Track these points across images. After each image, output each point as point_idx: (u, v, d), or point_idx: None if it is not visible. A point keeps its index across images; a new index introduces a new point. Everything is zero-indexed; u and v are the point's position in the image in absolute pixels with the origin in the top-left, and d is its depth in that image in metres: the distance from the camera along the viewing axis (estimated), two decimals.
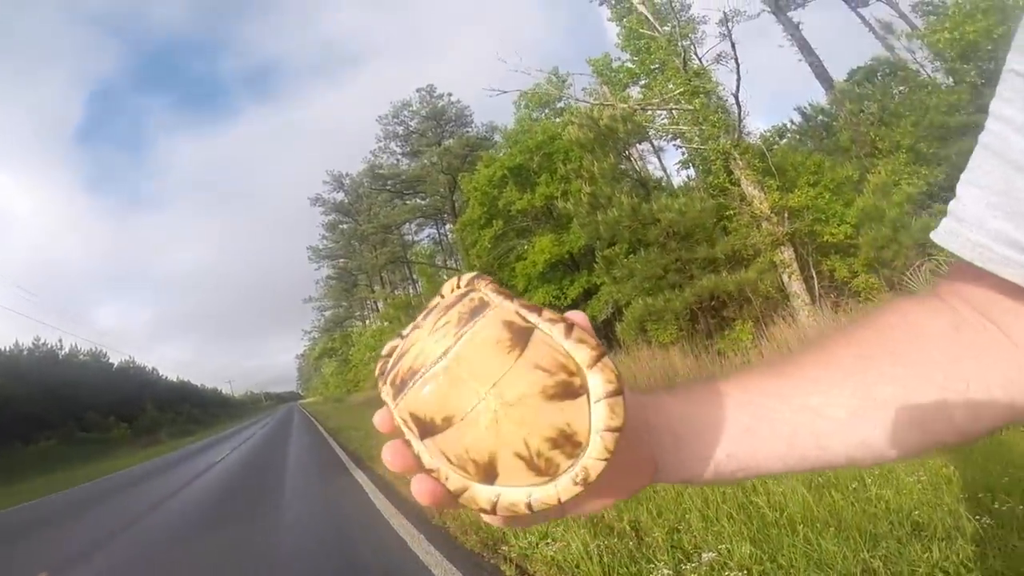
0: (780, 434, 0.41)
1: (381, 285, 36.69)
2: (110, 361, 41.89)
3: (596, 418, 0.29)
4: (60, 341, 36.93)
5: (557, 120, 17.42)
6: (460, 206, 29.17)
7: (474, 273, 0.35)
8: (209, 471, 11.85)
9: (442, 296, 0.35)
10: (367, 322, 41.86)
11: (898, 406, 0.39)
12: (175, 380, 58.09)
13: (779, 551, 2.36)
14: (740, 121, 9.40)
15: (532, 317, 0.32)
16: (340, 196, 36.63)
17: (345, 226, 37.19)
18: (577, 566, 2.73)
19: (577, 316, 0.35)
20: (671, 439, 0.41)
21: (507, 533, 3.40)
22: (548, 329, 0.31)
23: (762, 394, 0.42)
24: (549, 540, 3.11)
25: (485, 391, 0.28)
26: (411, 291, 35.50)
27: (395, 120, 31.89)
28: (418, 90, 31.53)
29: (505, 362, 0.29)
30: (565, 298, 14.25)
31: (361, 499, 5.70)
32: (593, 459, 0.29)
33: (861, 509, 2.58)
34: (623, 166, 11.89)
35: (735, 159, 9.33)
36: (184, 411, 45.62)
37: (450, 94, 31.39)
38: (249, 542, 4.74)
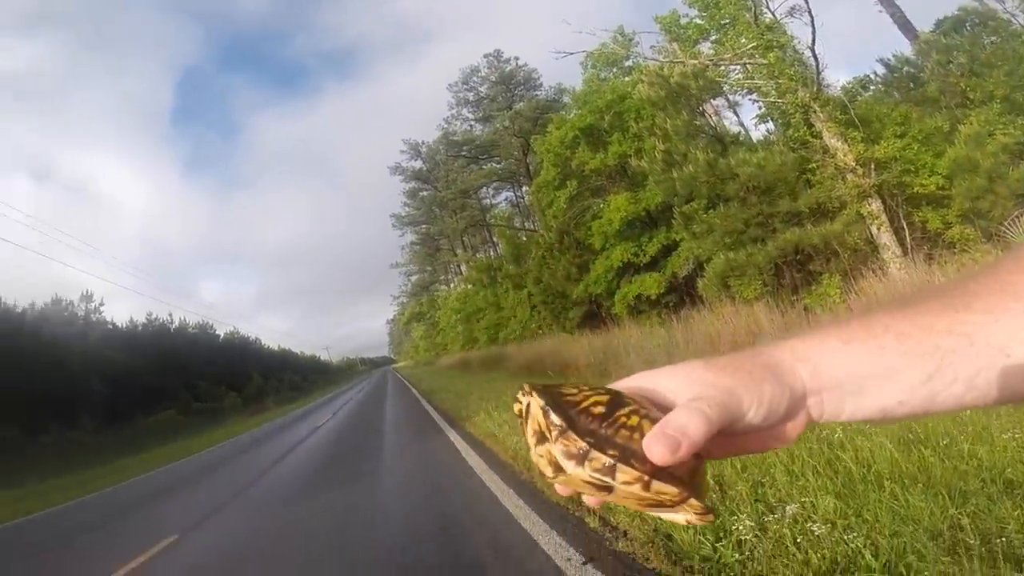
0: (960, 377, 0.39)
1: (463, 248, 37.81)
2: (216, 333, 44.44)
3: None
4: (170, 315, 39.11)
5: (626, 79, 17.10)
6: (534, 169, 29.36)
7: (527, 388, 0.42)
8: (313, 435, 12.96)
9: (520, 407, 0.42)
10: (451, 285, 43.44)
11: None
12: (276, 349, 62.26)
13: (864, 506, 2.37)
14: (818, 74, 8.99)
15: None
16: (418, 164, 37.73)
17: (425, 193, 38.38)
18: (659, 517, 3.10)
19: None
20: (835, 395, 0.42)
21: None
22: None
23: (948, 333, 0.40)
24: None
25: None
26: (491, 253, 36.39)
27: (465, 87, 32.25)
28: (486, 56, 31.62)
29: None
30: (644, 255, 14.29)
31: (454, 457, 6.14)
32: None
33: (952, 466, 2.53)
34: (697, 122, 11.67)
35: (815, 112, 8.99)
36: (286, 378, 48.93)
37: (517, 58, 31.29)
38: (352, 502, 5.24)
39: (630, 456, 0.37)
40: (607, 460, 0.37)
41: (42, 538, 7.28)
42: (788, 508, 2.50)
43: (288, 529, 4.89)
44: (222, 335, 45.93)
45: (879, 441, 2.94)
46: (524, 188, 35.26)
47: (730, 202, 10.29)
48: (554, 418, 0.38)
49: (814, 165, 9.66)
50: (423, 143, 37.37)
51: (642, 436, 0.37)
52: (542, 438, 0.39)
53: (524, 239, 28.84)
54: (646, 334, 10.73)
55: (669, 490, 0.37)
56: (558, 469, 0.39)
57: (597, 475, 0.38)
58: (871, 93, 13.99)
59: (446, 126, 33.30)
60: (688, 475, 0.39)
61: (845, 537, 2.18)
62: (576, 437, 0.38)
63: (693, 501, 0.38)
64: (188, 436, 22.59)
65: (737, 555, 2.35)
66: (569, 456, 0.38)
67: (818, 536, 2.24)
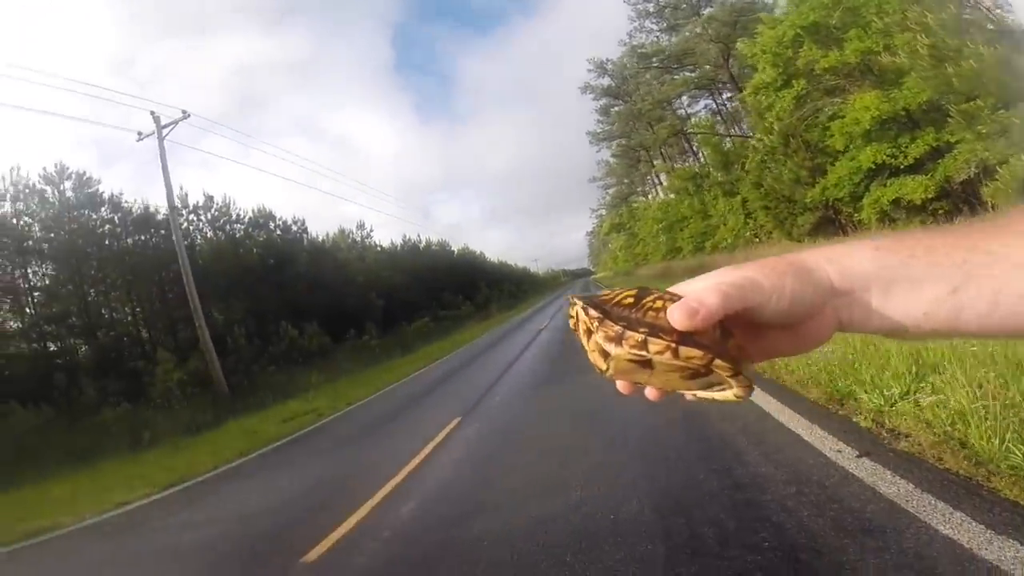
0: (984, 295, 0.40)
1: (662, 159, 37.92)
2: (451, 249, 50.11)
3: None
4: (418, 235, 44.89)
5: None
6: (737, 73, 28.05)
7: (570, 297, 0.48)
8: (538, 336, 15.17)
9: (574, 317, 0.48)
10: (649, 196, 44.00)
11: None
12: (496, 262, 68.02)
13: None
14: None
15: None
16: (606, 81, 37.94)
17: (616, 108, 38.70)
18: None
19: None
20: (862, 299, 0.43)
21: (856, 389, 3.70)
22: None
23: (973, 251, 0.41)
24: (920, 394, 3.27)
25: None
26: (691, 162, 36.03)
27: None
28: None
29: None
30: (904, 156, 13.88)
31: None
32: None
33: None
34: (968, 15, 10.98)
35: None
36: (505, 288, 54.20)
37: None
38: (591, 382, 5.80)
39: (658, 331, 0.42)
40: (639, 336, 0.42)
41: (374, 417, 9.31)
42: None
43: (545, 406, 6.39)
44: (455, 251, 51.17)
45: None
46: (725, 95, 33.82)
47: None
48: (593, 312, 0.44)
49: None
50: (608, 60, 37.36)
51: (665, 313, 0.42)
52: (588, 333, 0.45)
53: (732, 145, 28.24)
54: None
55: (695, 353, 0.41)
56: (605, 355, 0.44)
57: (633, 351, 0.42)
58: None
59: (629, 40, 32.86)
60: (712, 343, 0.42)
61: None
62: (611, 323, 0.43)
63: (719, 363, 0.42)
64: (440, 338, 26.11)
65: None
66: (608, 340, 0.43)
67: None
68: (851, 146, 15.25)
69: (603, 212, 52.69)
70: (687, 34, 30.48)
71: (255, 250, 25.41)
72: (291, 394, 15.02)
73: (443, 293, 38.44)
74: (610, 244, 59.71)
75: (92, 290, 19.57)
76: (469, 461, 4.99)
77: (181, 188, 22.23)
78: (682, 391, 0.48)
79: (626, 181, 45.10)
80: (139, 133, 16.76)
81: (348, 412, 10.86)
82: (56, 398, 14.51)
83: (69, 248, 18.58)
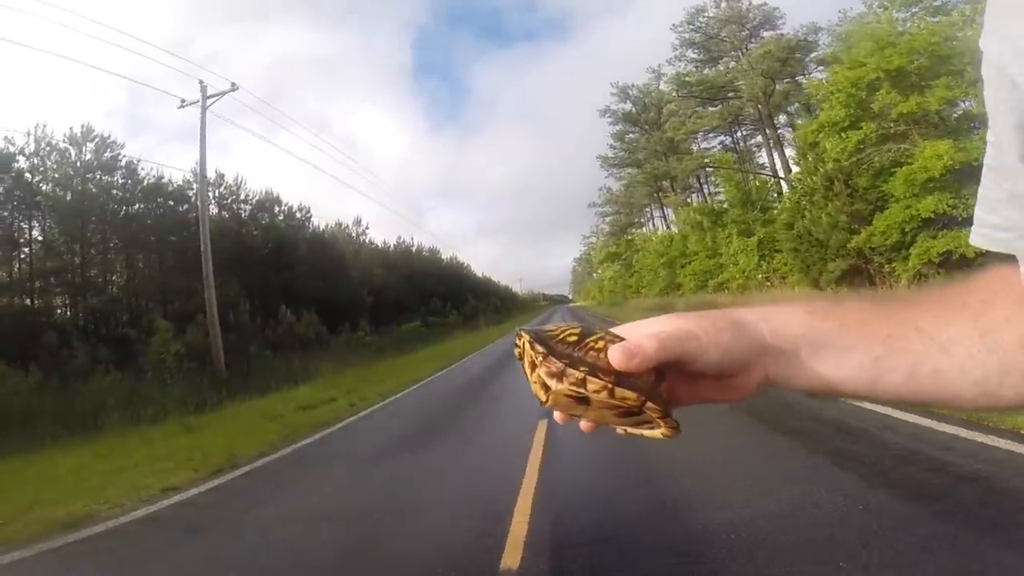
0: (902, 367, 0.44)
1: (674, 192, 37.94)
2: (441, 257, 49.66)
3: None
4: (412, 238, 43.52)
5: (934, 19, 15.98)
6: (771, 110, 28.29)
7: (520, 331, 0.50)
8: None
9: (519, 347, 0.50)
10: (645, 228, 44.06)
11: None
12: (481, 276, 67.46)
13: None
14: None
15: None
16: (627, 106, 38.03)
17: (632, 135, 38.77)
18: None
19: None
20: (791, 358, 0.46)
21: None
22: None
23: (901, 326, 0.45)
24: None
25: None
26: (695, 198, 36.17)
27: (691, 27, 31.55)
28: None
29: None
30: (966, 208, 13.75)
31: None
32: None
33: None
34: None
35: None
36: (491, 303, 53.89)
37: None
38: None
39: (597, 370, 0.45)
40: (578, 374, 0.45)
41: (431, 413, 8.81)
42: None
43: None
44: (445, 259, 50.78)
45: None
46: (740, 132, 34.19)
47: None
48: (538, 347, 0.46)
49: None
50: (632, 86, 37.50)
51: (606, 354, 0.45)
52: (533, 366, 0.47)
53: (754, 183, 28.19)
54: None
55: (629, 395, 0.44)
56: (546, 389, 0.46)
57: (572, 387, 0.45)
58: None
59: (658, 68, 33.12)
60: (647, 385, 0.45)
61: None
62: (554, 359, 0.46)
63: (651, 405, 0.45)
64: (428, 343, 25.52)
65: None
66: (550, 375, 0.46)
67: None
68: (909, 193, 15.05)
69: (594, 239, 52.68)
70: (725, 67, 30.89)
71: (255, 232, 25.18)
72: (293, 380, 14.04)
73: (432, 299, 37.81)
74: (596, 273, 59.61)
75: (92, 250, 19.11)
76: (598, 459, 4.65)
77: (195, 163, 21.47)
78: (614, 426, 0.50)
79: (623, 211, 45.04)
80: (182, 100, 15.88)
81: (388, 405, 10.09)
82: (44, 359, 13.03)
83: (74, 208, 18.21)
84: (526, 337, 0.48)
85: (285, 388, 13.00)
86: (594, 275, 62.55)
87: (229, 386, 13.44)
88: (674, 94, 33.13)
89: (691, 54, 32.42)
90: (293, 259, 25.48)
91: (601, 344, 0.46)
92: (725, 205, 29.10)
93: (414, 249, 41.63)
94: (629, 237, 45.44)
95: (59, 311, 17.55)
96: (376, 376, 14.35)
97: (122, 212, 20.21)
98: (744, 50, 29.22)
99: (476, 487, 4.64)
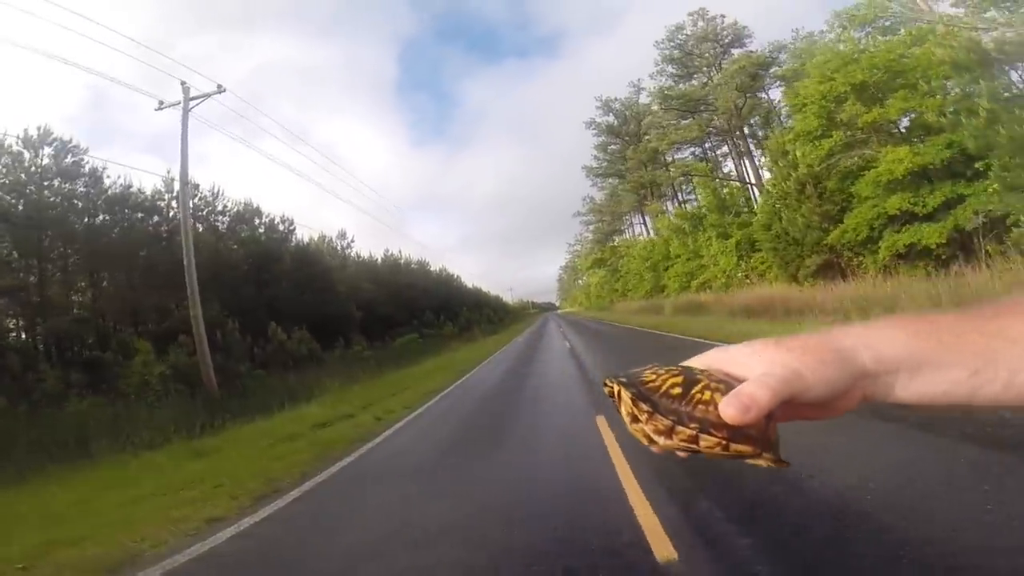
0: (1001, 377, 0.45)
1: (651, 199, 39.59)
2: (431, 269, 48.55)
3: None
4: (400, 251, 42.19)
5: (883, 38, 17.87)
6: (740, 122, 30.03)
7: (613, 383, 0.50)
8: (576, 357, 15.04)
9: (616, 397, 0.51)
10: (627, 234, 45.63)
11: None
12: (471, 287, 66.78)
13: None
14: None
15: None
16: (610, 119, 39.64)
17: (614, 146, 40.38)
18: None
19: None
20: (892, 379, 0.47)
21: None
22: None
23: (995, 336, 0.46)
24: None
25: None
26: (672, 204, 37.73)
27: (671, 44, 33.22)
28: (690, 14, 32.31)
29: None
30: (924, 206, 15.06)
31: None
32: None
33: None
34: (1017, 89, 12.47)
35: None
36: (485, 314, 54.00)
37: (723, 16, 31.59)
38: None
39: (708, 426, 0.44)
40: (690, 432, 0.45)
41: (470, 422, 8.37)
42: None
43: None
44: (434, 271, 49.57)
45: None
46: (709, 142, 35.93)
47: None
48: (642, 405, 0.46)
49: None
50: (615, 99, 39.15)
51: (715, 407, 0.44)
52: (635, 419, 0.47)
53: (728, 190, 29.92)
54: (905, 287, 11.76)
55: (744, 449, 0.45)
56: (652, 441, 0.47)
57: (684, 443, 0.46)
58: None
59: (637, 82, 34.62)
60: (760, 433, 0.45)
61: None
62: (661, 417, 0.45)
63: (767, 455, 0.45)
64: (429, 356, 24.61)
65: None
66: (659, 433, 0.46)
67: None
68: (875, 194, 16.59)
69: (579, 247, 54.24)
70: (705, 81, 32.27)
71: (234, 246, 23.73)
72: (294, 399, 13.46)
73: (424, 312, 37.86)
74: (582, 280, 61.10)
75: (50, 266, 17.32)
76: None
77: (168, 172, 20.34)
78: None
79: (607, 219, 46.65)
80: (160, 102, 14.99)
81: (419, 417, 9.50)
82: (6, 384, 12.41)
83: (29, 219, 16.18)
84: (627, 392, 0.48)
85: (289, 407, 12.37)
86: (579, 281, 64.10)
87: (225, 407, 12.71)
88: (656, 107, 34.67)
89: (670, 69, 33.97)
90: (277, 274, 24.49)
91: (708, 395, 0.45)
92: (703, 210, 30.77)
93: (402, 262, 41.71)
94: (613, 244, 46.95)
95: (12, 334, 16.02)
96: (389, 389, 13.80)
97: (84, 223, 18.28)
98: (718, 67, 30.96)
99: (574, 484, 4.36)
